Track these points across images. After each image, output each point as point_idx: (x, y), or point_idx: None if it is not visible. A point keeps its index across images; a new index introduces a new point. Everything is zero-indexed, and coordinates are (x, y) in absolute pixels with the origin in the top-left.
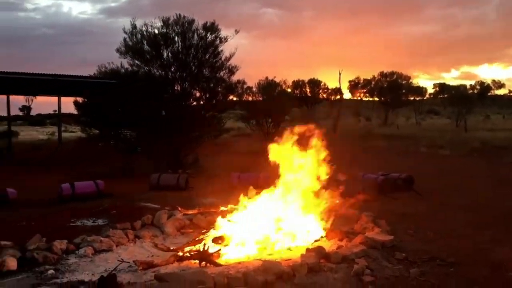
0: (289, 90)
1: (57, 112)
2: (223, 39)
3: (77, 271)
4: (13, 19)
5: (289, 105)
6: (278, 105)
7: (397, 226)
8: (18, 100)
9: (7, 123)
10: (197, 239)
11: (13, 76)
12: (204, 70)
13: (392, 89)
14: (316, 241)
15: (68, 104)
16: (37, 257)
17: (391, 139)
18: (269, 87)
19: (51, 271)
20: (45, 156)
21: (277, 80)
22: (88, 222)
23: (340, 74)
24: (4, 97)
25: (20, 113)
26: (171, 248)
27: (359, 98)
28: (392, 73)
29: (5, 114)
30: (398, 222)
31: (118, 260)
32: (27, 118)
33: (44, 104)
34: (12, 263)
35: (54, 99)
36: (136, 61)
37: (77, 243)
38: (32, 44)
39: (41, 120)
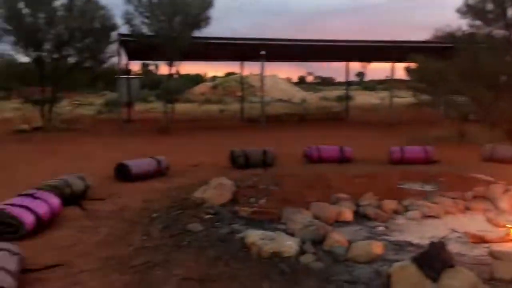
0: None
1: (389, 77)
2: None
3: (405, 232)
4: None
5: None
6: None
7: None
8: (354, 67)
9: (345, 88)
10: None
11: (352, 44)
12: None
13: None
14: None
15: (399, 70)
16: (368, 213)
17: None
18: None
19: (381, 228)
20: (377, 119)
21: None
22: (415, 186)
23: None
24: (344, 64)
25: (356, 79)
26: (507, 225)
27: None
28: None
29: (343, 80)
30: None
31: (448, 229)
32: (361, 83)
33: (376, 70)
34: (348, 215)
35: (386, 65)
36: (476, 22)
37: (405, 206)
38: (366, 13)
39: (373, 85)
